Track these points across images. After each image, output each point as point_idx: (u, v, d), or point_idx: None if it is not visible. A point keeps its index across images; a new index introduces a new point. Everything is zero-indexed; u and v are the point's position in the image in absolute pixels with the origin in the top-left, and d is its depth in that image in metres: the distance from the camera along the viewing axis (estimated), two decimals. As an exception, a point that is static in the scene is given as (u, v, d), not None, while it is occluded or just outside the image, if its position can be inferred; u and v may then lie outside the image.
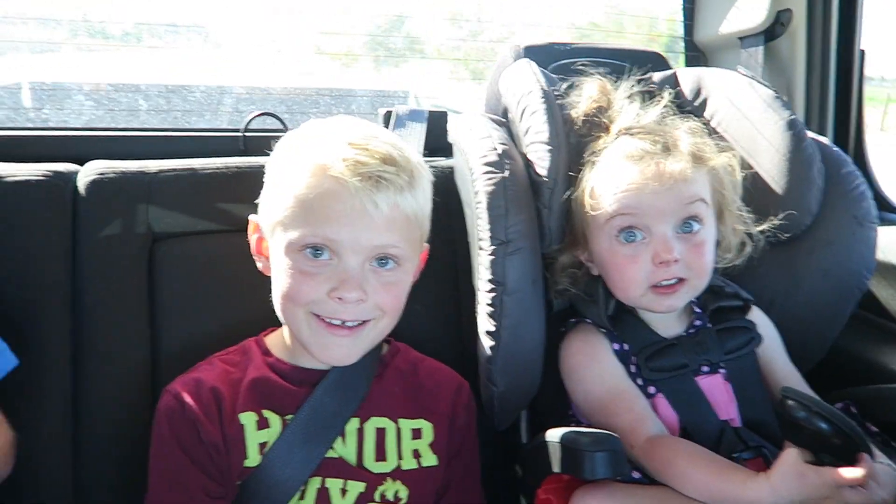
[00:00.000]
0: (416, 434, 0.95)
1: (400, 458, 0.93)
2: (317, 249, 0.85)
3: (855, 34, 1.47)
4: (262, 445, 0.87)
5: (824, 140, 1.16)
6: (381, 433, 0.93)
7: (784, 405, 0.83)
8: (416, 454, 0.94)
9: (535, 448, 0.94)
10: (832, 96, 1.49)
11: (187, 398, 0.87)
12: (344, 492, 0.88)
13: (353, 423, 0.92)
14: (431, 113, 1.41)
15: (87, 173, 1.09)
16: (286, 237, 0.85)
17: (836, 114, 1.50)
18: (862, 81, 1.50)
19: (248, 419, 0.88)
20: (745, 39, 1.53)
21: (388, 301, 0.88)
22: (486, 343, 0.99)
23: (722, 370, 1.02)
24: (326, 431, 0.89)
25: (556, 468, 0.90)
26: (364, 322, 0.88)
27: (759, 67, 1.50)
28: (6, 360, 0.91)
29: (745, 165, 1.08)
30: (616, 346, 1.02)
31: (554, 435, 0.90)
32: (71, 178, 1.09)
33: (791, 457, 0.81)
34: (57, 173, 1.09)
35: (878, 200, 1.29)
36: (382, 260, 0.87)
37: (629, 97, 1.09)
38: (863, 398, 1.08)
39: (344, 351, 0.88)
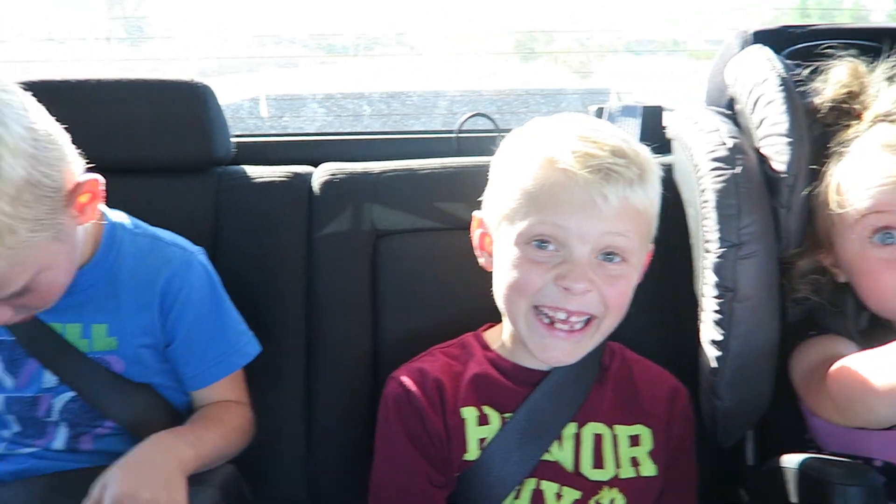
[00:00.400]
0: (634, 441, 0.91)
1: (618, 466, 0.89)
2: (543, 241, 0.84)
3: None
4: (482, 441, 0.88)
5: None
6: (598, 439, 0.90)
7: None
8: (635, 462, 0.90)
9: (768, 473, 0.86)
10: None
11: (412, 387, 0.90)
12: (559, 496, 0.87)
13: (570, 428, 0.90)
14: (645, 108, 1.36)
15: (321, 174, 1.19)
16: (513, 230, 0.86)
17: None
18: None
19: (469, 413, 0.89)
20: None
21: (613, 295, 0.85)
22: (711, 353, 0.92)
23: None
24: (544, 434, 0.88)
25: (794, 499, 0.81)
26: (587, 324, 0.86)
27: None
28: (252, 347, 1.00)
29: None
30: None
31: (792, 461, 0.81)
32: (307, 178, 1.19)
33: None
34: (296, 174, 1.20)
35: None
36: (609, 254, 0.84)
37: (888, 79, 0.95)
38: None
39: (564, 350, 0.87)
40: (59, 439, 0.91)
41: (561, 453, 0.89)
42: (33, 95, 0.78)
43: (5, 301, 0.76)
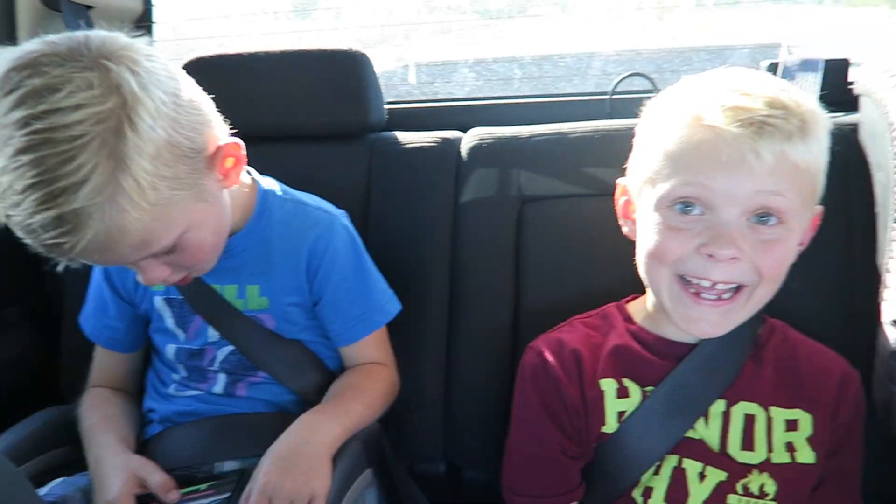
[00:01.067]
0: (792, 426, 0.83)
1: (770, 449, 0.83)
2: (687, 205, 0.78)
3: None
4: (621, 414, 0.86)
5: None
6: (749, 420, 0.84)
7: None
8: (790, 448, 0.83)
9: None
10: None
11: (549, 357, 0.89)
12: (702, 476, 0.83)
13: (718, 406, 0.84)
14: (828, 62, 1.22)
15: (470, 139, 1.19)
16: (655, 193, 0.80)
17: None
18: None
19: (608, 385, 0.87)
20: None
21: (767, 262, 0.77)
22: (893, 335, 0.82)
23: None
24: (688, 410, 0.84)
25: None
26: (737, 291, 0.79)
27: None
28: (393, 306, 1.04)
29: None
30: None
31: None
32: (455, 143, 1.20)
33: None
34: (445, 140, 1.21)
35: None
36: (763, 216, 0.76)
37: None
38: None
39: (712, 321, 0.80)
40: (219, 385, 1.00)
41: (707, 431, 0.84)
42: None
43: (159, 258, 0.82)
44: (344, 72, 1.21)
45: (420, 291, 1.12)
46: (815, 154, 0.77)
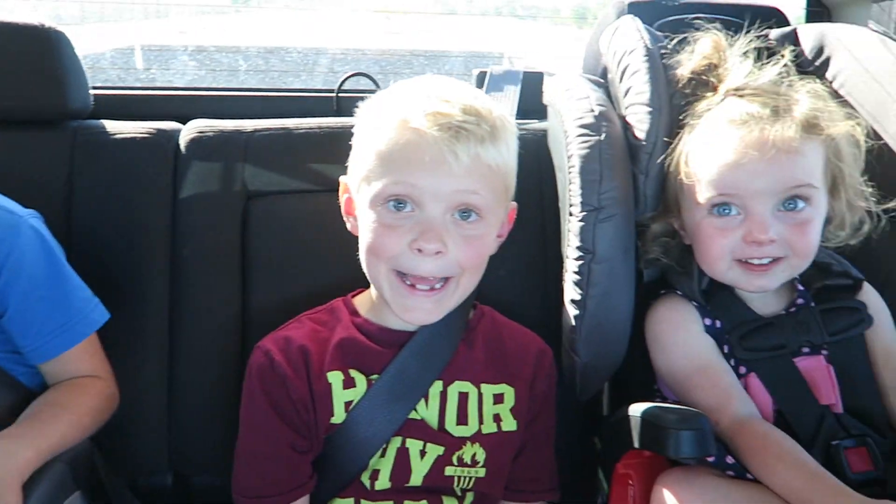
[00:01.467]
0: (498, 399, 0.94)
1: (481, 422, 0.92)
2: (399, 202, 0.84)
3: None
4: (348, 404, 0.89)
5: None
6: (463, 397, 0.92)
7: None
8: (497, 418, 0.93)
9: (617, 422, 0.91)
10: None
11: (277, 356, 0.89)
12: (423, 453, 0.89)
13: (436, 387, 0.92)
14: (526, 73, 1.37)
15: (189, 131, 1.13)
16: (370, 191, 0.86)
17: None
18: None
19: (335, 378, 0.89)
20: (878, -8, 1.38)
21: (468, 256, 0.86)
22: (571, 312, 0.97)
23: (824, 352, 0.95)
24: (410, 393, 0.90)
25: (637, 444, 0.87)
26: (446, 281, 0.87)
27: (892, 24, 1.35)
28: (99, 315, 0.95)
29: (870, 134, 0.98)
30: (707, 322, 0.97)
31: (637, 409, 0.87)
32: (174, 135, 1.13)
33: None
34: (161, 131, 1.13)
35: None
36: (465, 212, 0.86)
37: (744, 54, 1.00)
38: None
39: (426, 309, 0.88)
40: None
41: (427, 412, 0.91)
42: None
43: None
44: (33, 49, 1.08)
45: (137, 295, 1.05)
46: (505, 156, 0.89)
